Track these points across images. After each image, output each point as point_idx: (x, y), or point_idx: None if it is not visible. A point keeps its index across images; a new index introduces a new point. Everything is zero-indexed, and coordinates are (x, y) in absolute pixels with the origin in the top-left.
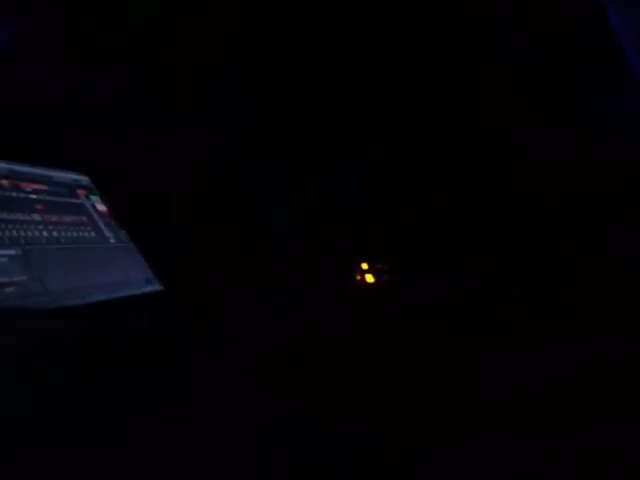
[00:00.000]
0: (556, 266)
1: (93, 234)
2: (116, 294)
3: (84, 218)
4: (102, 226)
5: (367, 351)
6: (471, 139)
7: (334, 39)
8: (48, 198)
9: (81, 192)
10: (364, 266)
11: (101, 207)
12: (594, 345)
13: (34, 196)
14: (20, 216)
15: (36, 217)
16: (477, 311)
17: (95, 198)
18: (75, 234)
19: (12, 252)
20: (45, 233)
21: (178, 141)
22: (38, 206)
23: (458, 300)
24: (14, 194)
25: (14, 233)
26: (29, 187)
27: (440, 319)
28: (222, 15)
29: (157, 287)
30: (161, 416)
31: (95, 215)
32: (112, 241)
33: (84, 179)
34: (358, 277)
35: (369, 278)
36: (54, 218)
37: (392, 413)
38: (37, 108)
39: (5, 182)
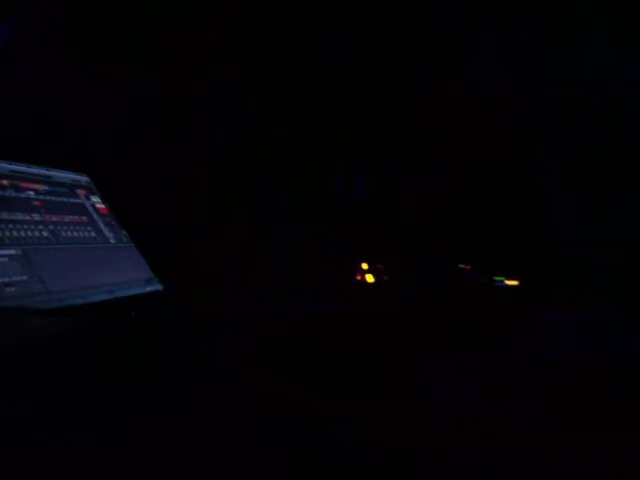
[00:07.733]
0: None
1: (93, 234)
2: (116, 294)
3: (84, 218)
4: (102, 226)
5: (367, 350)
6: (471, 142)
7: (337, 39)
8: (48, 198)
9: (81, 192)
10: (364, 266)
11: (101, 207)
12: None
13: (34, 196)
14: (20, 216)
15: (36, 217)
16: (475, 311)
17: (95, 198)
18: (75, 234)
19: (12, 252)
20: (45, 233)
21: (178, 141)
22: (38, 206)
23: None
24: (14, 194)
25: (14, 233)
26: (29, 187)
27: (439, 318)
28: (222, 16)
29: (157, 287)
30: (161, 416)
31: (95, 215)
32: (112, 241)
33: (84, 179)
34: (358, 277)
35: (369, 278)
36: (54, 218)
37: (392, 412)
38: (37, 108)
39: (5, 182)
